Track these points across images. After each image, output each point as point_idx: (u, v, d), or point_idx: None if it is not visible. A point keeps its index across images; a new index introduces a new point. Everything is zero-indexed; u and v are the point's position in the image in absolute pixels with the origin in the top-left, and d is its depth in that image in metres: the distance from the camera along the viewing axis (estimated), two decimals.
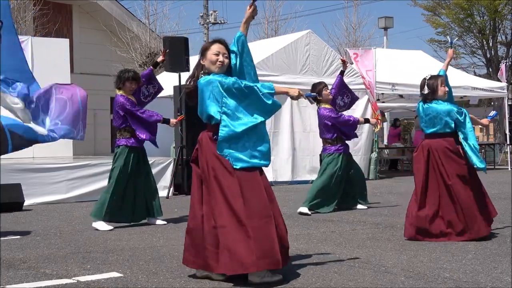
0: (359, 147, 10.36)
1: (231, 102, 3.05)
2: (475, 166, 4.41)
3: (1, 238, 5.12)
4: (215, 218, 2.99)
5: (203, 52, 3.23)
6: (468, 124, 4.44)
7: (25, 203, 7.74)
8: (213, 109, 3.05)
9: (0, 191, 7.33)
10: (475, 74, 16.83)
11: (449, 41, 5.41)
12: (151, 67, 5.75)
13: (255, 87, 3.10)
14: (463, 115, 4.41)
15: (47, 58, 9.73)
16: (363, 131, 10.25)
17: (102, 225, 5.60)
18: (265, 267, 2.91)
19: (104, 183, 7.30)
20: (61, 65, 9.99)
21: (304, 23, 20.74)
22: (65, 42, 10.78)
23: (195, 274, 3.26)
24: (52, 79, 9.05)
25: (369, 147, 10.65)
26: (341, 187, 6.44)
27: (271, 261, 2.93)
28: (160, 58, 5.91)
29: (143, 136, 5.69)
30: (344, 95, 6.50)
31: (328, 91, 6.29)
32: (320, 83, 6.41)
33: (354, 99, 6.74)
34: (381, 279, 3.18)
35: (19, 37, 9.13)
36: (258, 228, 2.95)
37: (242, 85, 3.07)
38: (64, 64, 10.11)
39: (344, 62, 6.85)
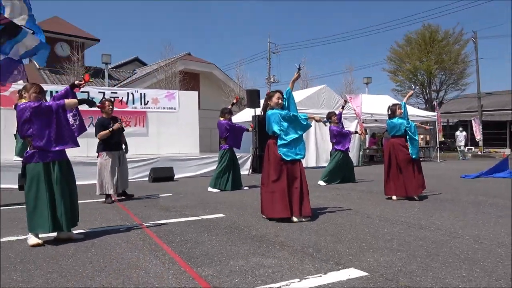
0: (353, 148, 14.05)
1: (285, 124, 4.59)
2: (413, 156, 6.04)
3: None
4: (274, 186, 4.55)
5: (270, 97, 4.76)
6: (413, 130, 6.09)
7: (175, 177, 10.39)
8: (276, 128, 4.61)
9: (161, 171, 10.03)
10: (418, 108, 24.17)
11: (413, 87, 8.25)
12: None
13: (297, 115, 4.66)
14: (410, 125, 6.06)
15: (187, 102, 13.80)
16: (356, 139, 14.62)
17: (213, 190, 7.66)
18: (299, 214, 4.47)
19: (212, 167, 10.44)
20: (193, 105, 13.98)
21: (322, 80, 30.05)
22: (195, 93, 14.66)
23: (262, 216, 4.77)
24: (189, 113, 13.51)
25: (358, 147, 15.12)
26: (341, 170, 8.83)
27: (298, 211, 4.48)
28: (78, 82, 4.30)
29: (231, 142, 7.88)
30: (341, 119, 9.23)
31: (335, 117, 8.90)
32: (331, 112, 9.20)
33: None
34: (365, 221, 4.46)
35: (173, 91, 13.02)
36: (292, 193, 4.48)
37: (291, 114, 4.63)
38: (195, 104, 14.10)
39: (345, 103, 10.43)
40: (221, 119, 7.84)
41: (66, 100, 3.79)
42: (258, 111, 12.36)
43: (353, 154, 13.90)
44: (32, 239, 3.65)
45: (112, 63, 22.20)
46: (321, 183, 8.52)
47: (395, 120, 6.17)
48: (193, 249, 3.37)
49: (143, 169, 10.41)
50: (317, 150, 13.92)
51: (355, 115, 14.49)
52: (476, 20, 48.44)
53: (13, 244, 3.71)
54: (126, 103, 12.46)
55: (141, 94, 12.92)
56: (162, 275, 2.73)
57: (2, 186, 8.51)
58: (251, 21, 69.63)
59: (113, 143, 6.49)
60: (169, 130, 12.86)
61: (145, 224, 4.50)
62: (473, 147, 23.74)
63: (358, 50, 62.86)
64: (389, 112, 6.29)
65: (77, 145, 3.82)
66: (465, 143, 20.89)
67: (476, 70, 26.47)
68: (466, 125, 26.17)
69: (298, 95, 14.88)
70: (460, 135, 20.54)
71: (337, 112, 9.11)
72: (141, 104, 12.64)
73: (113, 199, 6.50)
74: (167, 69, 19.93)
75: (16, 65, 5.59)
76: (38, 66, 21.18)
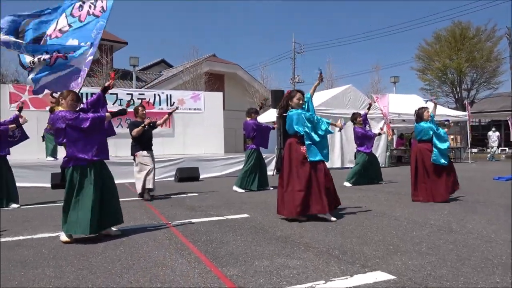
0: (380, 148, 14.60)
1: (310, 125, 4.57)
2: (440, 162, 5.86)
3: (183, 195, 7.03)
4: (293, 185, 4.52)
5: (291, 96, 4.75)
6: (442, 135, 5.88)
7: (200, 177, 10.52)
8: (300, 128, 4.59)
9: (186, 171, 9.96)
10: (448, 107, 24.21)
11: (430, 98, 7.11)
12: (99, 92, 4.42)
13: (322, 120, 4.66)
14: (439, 130, 5.87)
15: (212, 103, 14.07)
16: (382, 139, 14.55)
17: (238, 189, 7.65)
18: (326, 211, 4.48)
19: (237, 168, 10.18)
20: (218, 106, 14.19)
21: (347, 80, 29.10)
22: (220, 94, 14.91)
23: (281, 217, 4.74)
24: (214, 113, 13.75)
25: (384, 148, 15.01)
26: (367, 172, 8.64)
27: (322, 208, 4.45)
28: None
29: (258, 142, 7.90)
30: (366, 120, 9.06)
31: (360, 118, 8.75)
32: (356, 113, 9.01)
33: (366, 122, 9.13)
34: (392, 223, 4.37)
35: (198, 92, 13.17)
36: (318, 191, 4.45)
37: (315, 118, 4.63)
38: (220, 105, 14.30)
39: (370, 105, 9.95)
40: (248, 119, 7.89)
41: (107, 114, 3.95)
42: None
43: (380, 155, 13.72)
44: (63, 236, 3.78)
45: (140, 65, 22.71)
46: (347, 184, 8.43)
47: (422, 123, 6.00)
48: (218, 249, 3.40)
49: (169, 169, 10.59)
50: (342, 151, 13.77)
51: (382, 115, 14.21)
52: (510, 16, 46.56)
53: (46, 240, 3.85)
54: (153, 104, 12.73)
55: (167, 95, 13.17)
56: (188, 274, 2.77)
57: (37, 184, 8.86)
58: (276, 21, 69.60)
59: (145, 142, 6.72)
60: (195, 131, 13.04)
61: (171, 223, 4.57)
62: (507, 148, 22.75)
63: (385, 48, 61.67)
64: (416, 117, 6.15)
65: (107, 157, 3.98)
66: (498, 144, 20.07)
67: (510, 68, 25.50)
68: (499, 125, 25.17)
69: (323, 95, 14.78)
70: (493, 135, 19.70)
71: (362, 113, 8.97)
72: (167, 105, 12.88)
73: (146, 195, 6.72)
74: (192, 70, 20.23)
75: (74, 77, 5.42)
76: None
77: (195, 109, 13.38)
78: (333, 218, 4.46)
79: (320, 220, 4.53)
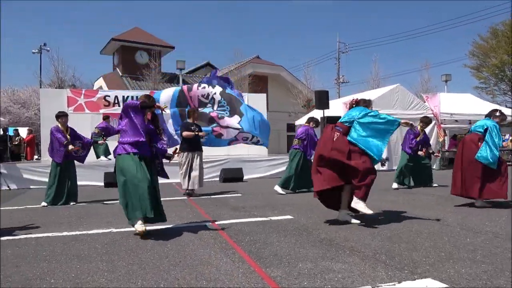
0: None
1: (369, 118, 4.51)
2: (485, 161, 5.43)
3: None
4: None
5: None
6: (495, 133, 5.43)
7: (244, 178, 10.58)
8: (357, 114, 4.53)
9: (231, 172, 10.11)
10: (506, 106, 22.50)
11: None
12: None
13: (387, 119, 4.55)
14: (493, 128, 5.45)
15: (255, 105, 14.63)
16: (433, 140, 13.39)
17: (280, 190, 7.67)
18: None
19: (281, 169, 10.06)
20: (262, 107, 13.97)
21: (395, 79, 30.12)
22: (264, 95, 15.16)
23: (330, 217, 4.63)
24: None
25: (435, 150, 13.49)
26: (409, 171, 8.32)
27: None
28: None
29: (303, 148, 7.90)
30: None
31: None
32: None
33: None
34: (444, 229, 4.16)
35: (243, 93, 13.10)
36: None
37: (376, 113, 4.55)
38: (263, 106, 14.29)
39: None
40: (306, 124, 7.95)
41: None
42: (327, 112, 12.16)
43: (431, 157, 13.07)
44: (139, 226, 3.88)
45: (186, 68, 23.37)
46: (395, 185, 8.21)
47: (484, 119, 5.71)
48: (262, 249, 3.41)
49: (214, 169, 10.80)
50: (388, 153, 13.27)
51: (432, 115, 13.54)
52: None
53: (100, 236, 4.07)
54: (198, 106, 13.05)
55: None
56: (232, 273, 2.81)
57: (91, 183, 9.38)
58: (320, 21, 68.75)
59: (192, 144, 7.25)
60: None
61: (216, 223, 4.65)
62: None
63: (435, 45, 58.89)
64: (485, 115, 5.86)
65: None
66: None
67: None
68: None
69: (369, 95, 14.34)
70: None
71: (411, 113, 8.63)
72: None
73: (183, 193, 7.33)
74: (236, 72, 20.51)
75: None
76: (121, 74, 23.02)
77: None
78: (354, 221, 4.42)
79: (366, 223, 4.42)
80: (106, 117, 11.20)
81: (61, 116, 6.59)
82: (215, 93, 8.55)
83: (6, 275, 2.86)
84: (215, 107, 8.45)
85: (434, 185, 8.38)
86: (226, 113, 8.33)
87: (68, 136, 6.50)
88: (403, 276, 2.68)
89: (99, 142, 10.26)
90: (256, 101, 13.89)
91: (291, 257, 3.15)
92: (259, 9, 67.82)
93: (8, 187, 9.18)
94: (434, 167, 12.74)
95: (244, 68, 21.01)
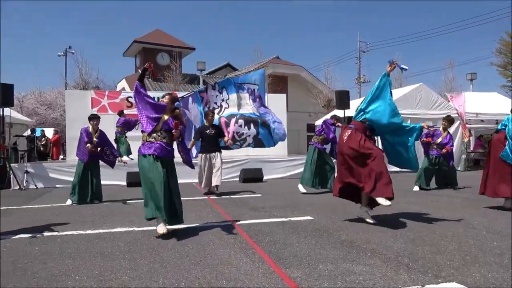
0: (454, 151, 13.11)
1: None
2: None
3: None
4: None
5: None
6: None
7: (264, 178, 10.59)
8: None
9: (250, 172, 10.05)
10: None
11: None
12: None
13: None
14: None
15: (275, 105, 14.50)
16: (457, 141, 13.23)
17: (301, 188, 7.68)
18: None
19: (301, 169, 9.76)
20: (282, 107, 14.25)
21: (418, 78, 25.42)
22: (283, 96, 15.20)
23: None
24: (277, 114, 13.39)
25: (460, 151, 13.84)
26: (433, 173, 8.16)
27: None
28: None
29: (320, 146, 7.92)
30: None
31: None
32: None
33: None
34: (469, 232, 4.04)
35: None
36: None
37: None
38: (283, 107, 14.45)
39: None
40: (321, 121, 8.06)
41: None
42: (348, 112, 12.02)
43: (455, 158, 12.70)
44: (159, 228, 3.92)
45: (206, 69, 23.55)
46: (416, 188, 8.03)
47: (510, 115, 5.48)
48: (281, 250, 3.40)
49: (234, 169, 10.84)
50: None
51: (457, 115, 13.22)
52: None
53: (122, 234, 4.15)
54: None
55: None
56: (252, 273, 2.81)
57: (114, 182, 9.58)
58: (340, 20, 68.10)
59: (206, 145, 7.33)
60: None
61: (236, 223, 4.66)
62: None
63: (460, 43, 57.36)
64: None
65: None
66: None
67: None
68: None
69: (392, 95, 14.13)
70: None
71: (435, 113, 8.42)
72: None
73: (203, 192, 7.50)
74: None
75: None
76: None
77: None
78: (369, 220, 4.42)
79: (388, 225, 4.34)
80: (121, 112, 11.39)
81: (93, 118, 6.83)
82: (227, 99, 8.30)
83: (33, 271, 2.95)
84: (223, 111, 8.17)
85: (459, 187, 8.16)
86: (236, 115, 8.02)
87: (95, 139, 6.68)
88: (427, 279, 2.62)
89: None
90: (276, 102, 13.91)
91: (311, 258, 3.13)
92: (279, 10, 67.77)
93: (35, 185, 9.48)
94: (459, 169, 12.41)
95: (263, 68, 21.05)
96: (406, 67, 4.93)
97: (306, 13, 70.05)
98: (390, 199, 4.16)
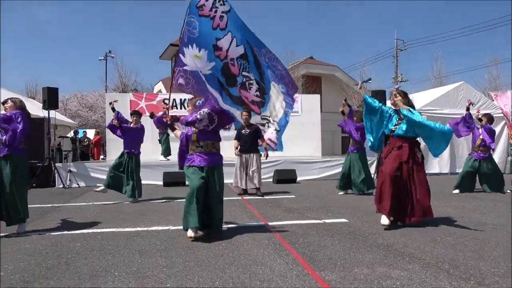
0: (498, 153, 12.57)
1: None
2: None
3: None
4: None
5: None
6: None
7: (297, 179, 10.56)
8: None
9: (284, 173, 10.02)
10: None
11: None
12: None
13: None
14: None
15: (309, 106, 14.01)
16: (500, 142, 12.73)
17: (340, 191, 7.58)
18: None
19: (335, 171, 10.40)
20: (316, 108, 14.14)
21: (458, 76, 23.79)
22: (317, 96, 14.89)
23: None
24: (311, 116, 13.66)
25: (505, 153, 13.04)
26: (474, 176, 7.78)
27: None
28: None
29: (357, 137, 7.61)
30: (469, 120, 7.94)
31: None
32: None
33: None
34: None
35: (296, 95, 12.54)
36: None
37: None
38: (317, 107, 14.24)
39: (470, 103, 8.00)
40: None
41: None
42: None
43: (499, 161, 12.01)
44: (189, 231, 3.91)
45: None
46: (456, 191, 7.69)
47: None
48: (315, 252, 3.36)
49: (267, 170, 10.84)
50: (451, 155, 12.50)
51: (502, 114, 12.56)
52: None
53: (159, 233, 4.26)
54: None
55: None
56: (285, 274, 2.80)
57: (151, 182, 9.85)
58: (376, 19, 66.48)
59: (242, 144, 7.42)
60: (292, 133, 13.09)
61: (269, 224, 4.66)
62: None
63: (504, 39, 54.32)
64: None
65: None
66: None
67: None
68: None
69: (431, 94, 13.66)
70: None
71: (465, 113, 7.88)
72: None
73: (237, 193, 7.53)
74: (289, 73, 20.58)
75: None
76: None
77: (292, 112, 13.52)
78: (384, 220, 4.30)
79: (427, 230, 4.19)
80: (152, 114, 11.67)
81: (132, 114, 7.19)
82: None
83: (76, 266, 3.09)
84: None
85: (508, 190, 7.70)
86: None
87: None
88: (469, 287, 2.51)
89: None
90: (310, 102, 13.85)
91: (346, 262, 3.08)
92: (312, 10, 67.14)
93: (78, 184, 9.92)
94: (505, 172, 11.78)
95: (297, 69, 20.91)
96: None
97: (343, 13, 68.99)
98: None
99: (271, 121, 7.19)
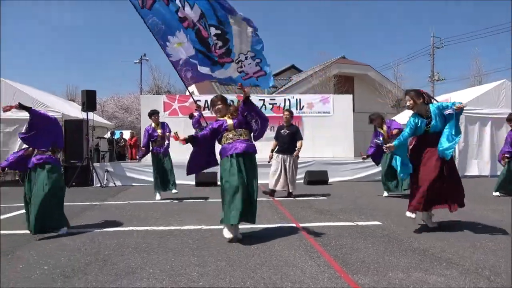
0: None
1: None
2: None
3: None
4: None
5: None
6: None
7: (329, 181, 10.44)
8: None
9: (315, 174, 9.96)
10: None
11: None
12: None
13: None
14: None
15: (341, 106, 13.62)
16: None
17: (385, 192, 7.44)
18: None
19: (368, 172, 10.33)
20: (348, 108, 13.77)
21: (500, 74, 22.90)
22: (350, 96, 14.67)
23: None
24: (343, 116, 13.31)
25: None
26: None
27: None
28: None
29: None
30: None
31: None
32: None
33: None
34: None
35: (327, 95, 12.35)
36: None
37: None
38: (349, 108, 13.93)
39: None
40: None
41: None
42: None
43: None
44: (225, 232, 3.83)
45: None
46: (496, 193, 7.32)
47: None
48: (348, 255, 3.31)
49: (299, 171, 10.71)
50: (491, 157, 11.90)
51: None
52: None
53: (192, 232, 4.33)
54: (284, 108, 13.17)
55: (296, 99, 13.45)
56: (317, 276, 2.77)
57: (183, 182, 10.03)
58: (411, 16, 64.51)
59: (280, 145, 7.42)
60: (324, 134, 12.98)
61: (301, 225, 4.63)
62: None
63: None
64: None
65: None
66: None
67: None
68: None
69: (470, 93, 13.05)
70: None
71: None
72: (296, 109, 13.13)
73: (269, 194, 7.39)
74: (321, 74, 20.26)
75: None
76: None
77: (324, 112, 13.35)
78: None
79: (466, 234, 4.02)
80: (191, 115, 11.81)
81: (151, 114, 7.40)
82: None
83: (112, 262, 3.20)
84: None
85: None
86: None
87: (159, 131, 7.29)
88: None
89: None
90: (342, 102, 13.62)
91: (380, 265, 3.01)
92: (344, 9, 66.11)
93: (114, 183, 10.27)
94: None
95: (329, 69, 20.66)
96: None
97: (376, 12, 67.52)
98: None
99: (244, 53, 5.79)
